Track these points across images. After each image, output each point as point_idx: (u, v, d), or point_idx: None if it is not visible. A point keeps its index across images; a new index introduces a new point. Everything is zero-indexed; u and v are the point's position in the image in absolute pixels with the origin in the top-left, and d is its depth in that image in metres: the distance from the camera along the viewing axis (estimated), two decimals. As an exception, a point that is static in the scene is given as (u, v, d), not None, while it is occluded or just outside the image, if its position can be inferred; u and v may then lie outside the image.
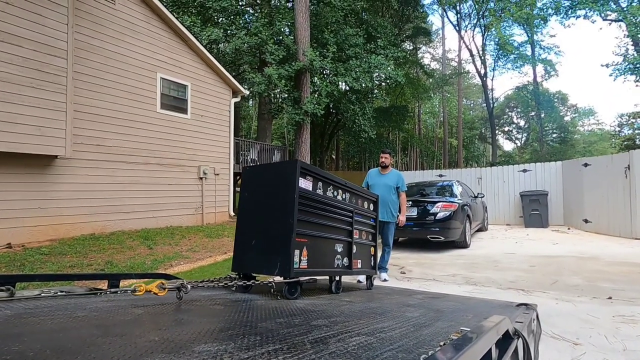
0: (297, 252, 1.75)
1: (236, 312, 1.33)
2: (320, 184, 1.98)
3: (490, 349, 0.85)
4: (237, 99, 10.24)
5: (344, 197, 2.21)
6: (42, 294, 1.36)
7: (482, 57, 25.07)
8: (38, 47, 5.59)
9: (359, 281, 4.46)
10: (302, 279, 1.85)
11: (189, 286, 1.40)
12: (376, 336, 1.12)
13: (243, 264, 1.92)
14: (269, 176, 1.98)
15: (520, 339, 1.17)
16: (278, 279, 1.77)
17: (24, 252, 5.06)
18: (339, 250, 2.16)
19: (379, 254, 4.80)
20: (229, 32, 12.93)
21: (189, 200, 8.57)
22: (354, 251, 2.29)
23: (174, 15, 8.30)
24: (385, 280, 4.58)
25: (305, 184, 1.84)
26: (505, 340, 1.09)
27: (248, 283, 1.79)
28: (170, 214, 8.11)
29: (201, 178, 8.83)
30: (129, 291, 1.32)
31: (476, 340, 0.78)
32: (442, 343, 0.94)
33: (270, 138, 17.26)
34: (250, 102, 26.86)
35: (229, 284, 1.79)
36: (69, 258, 4.99)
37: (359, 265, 2.39)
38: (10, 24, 5.29)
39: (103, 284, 1.71)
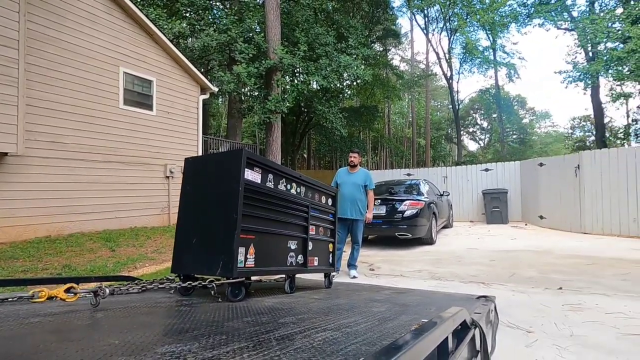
0: (242, 249, 1.61)
1: (202, 313, 1.31)
2: (270, 176, 1.84)
3: (447, 337, 0.90)
4: (206, 96, 9.99)
5: (298, 190, 2.08)
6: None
7: (449, 60, 26.00)
8: (-15, 35, 5.18)
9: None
10: (253, 278, 1.72)
11: (107, 290, 1.27)
12: (342, 331, 1.15)
13: (183, 264, 1.74)
14: (212, 167, 1.81)
15: (477, 328, 1.25)
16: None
17: (-30, 257, 4.68)
18: (293, 247, 2.03)
19: (349, 251, 4.88)
20: (196, 27, 12.57)
21: (154, 200, 8.27)
22: (310, 248, 2.17)
23: (137, 7, 7.96)
24: (354, 277, 4.66)
25: (252, 175, 1.71)
26: (462, 330, 1.15)
27: (183, 285, 1.62)
28: (135, 214, 7.79)
29: (168, 177, 8.55)
30: (24, 297, 1.10)
31: (432, 330, 0.83)
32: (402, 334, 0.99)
33: (240, 136, 16.98)
34: (220, 99, 26.28)
35: (171, 285, 1.61)
36: (22, 262, 4.67)
37: (316, 263, 2.28)
38: (-48, 10, 4.87)
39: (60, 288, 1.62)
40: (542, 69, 70.43)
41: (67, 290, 1.17)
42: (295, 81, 13.33)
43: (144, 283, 1.66)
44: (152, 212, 8.18)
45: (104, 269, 4.71)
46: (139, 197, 7.89)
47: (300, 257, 2.10)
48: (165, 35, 8.83)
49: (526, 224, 10.41)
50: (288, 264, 1.99)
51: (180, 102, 9.11)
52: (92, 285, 1.59)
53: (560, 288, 3.86)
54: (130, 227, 7.53)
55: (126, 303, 1.45)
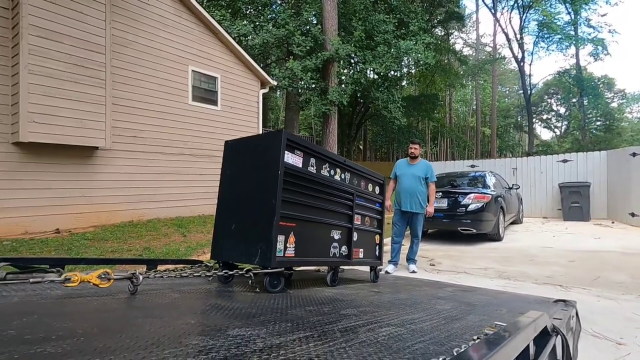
0: (281, 237, 1.52)
1: (265, 299, 1.36)
2: (313, 160, 1.72)
3: (528, 345, 0.82)
4: (266, 90, 10.32)
5: (342, 177, 1.95)
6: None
7: (520, 41, 23.71)
8: (78, 43, 5.87)
9: (386, 272, 4.43)
10: (296, 269, 1.67)
11: (140, 277, 1.26)
12: (406, 327, 1.11)
13: (222, 252, 1.71)
14: (252, 150, 1.74)
15: (559, 336, 1.12)
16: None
17: (71, 237, 5.43)
18: (336, 237, 1.91)
19: (408, 245, 4.75)
20: (257, 24, 12.99)
21: (219, 190, 8.81)
22: (355, 239, 2.05)
23: (203, 9, 8.44)
24: (413, 272, 4.52)
25: (293, 159, 1.61)
26: (542, 337, 1.04)
27: (219, 273, 1.56)
28: (202, 202, 8.38)
29: (231, 168, 9.04)
30: (56, 281, 1.11)
31: (513, 336, 0.75)
32: (475, 337, 0.92)
33: (297, 129, 17.34)
34: (279, 93, 27.04)
35: (207, 273, 1.57)
36: (110, 244, 5.30)
37: (361, 255, 2.15)
38: (52, 22, 5.59)
39: (142, 268, 1.80)
40: (634, 46, 60.86)
41: (101, 276, 1.17)
42: (352, 71, 13.16)
43: (181, 271, 1.65)
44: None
45: (177, 252, 5.16)
46: (206, 187, 8.47)
47: (344, 248, 1.98)
48: (229, 34, 9.26)
49: (613, 222, 9.21)
50: (331, 255, 1.89)
51: (242, 97, 9.53)
52: (161, 267, 1.69)
53: (659, 296, 3.36)
54: (198, 215, 8.14)
55: (196, 285, 1.56)
